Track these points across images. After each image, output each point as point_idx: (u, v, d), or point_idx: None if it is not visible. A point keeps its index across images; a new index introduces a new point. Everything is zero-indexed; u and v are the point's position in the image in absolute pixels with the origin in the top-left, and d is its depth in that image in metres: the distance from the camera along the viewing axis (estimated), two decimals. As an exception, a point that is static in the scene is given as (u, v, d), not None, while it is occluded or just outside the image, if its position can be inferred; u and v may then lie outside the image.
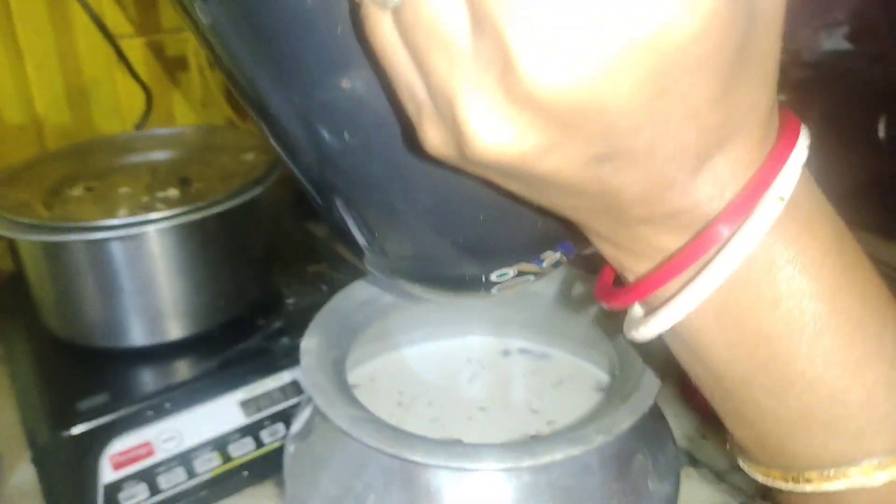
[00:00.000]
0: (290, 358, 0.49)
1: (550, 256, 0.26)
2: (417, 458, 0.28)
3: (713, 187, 0.20)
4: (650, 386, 0.32)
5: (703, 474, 0.47)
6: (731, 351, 0.22)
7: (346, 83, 0.20)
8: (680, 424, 0.51)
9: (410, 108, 0.19)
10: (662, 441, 0.36)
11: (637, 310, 0.24)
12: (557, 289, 0.41)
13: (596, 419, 0.30)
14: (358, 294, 0.40)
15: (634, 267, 0.23)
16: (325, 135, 0.22)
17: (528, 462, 0.28)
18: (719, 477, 0.47)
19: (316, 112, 0.22)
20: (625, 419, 0.30)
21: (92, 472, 0.42)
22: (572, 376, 0.44)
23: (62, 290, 0.48)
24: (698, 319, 0.22)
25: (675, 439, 0.37)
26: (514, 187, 0.21)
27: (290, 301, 0.55)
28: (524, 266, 0.26)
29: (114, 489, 0.41)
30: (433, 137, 0.19)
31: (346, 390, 0.32)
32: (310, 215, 0.78)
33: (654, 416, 0.37)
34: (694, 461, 0.47)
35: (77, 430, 0.43)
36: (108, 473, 0.42)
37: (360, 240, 0.26)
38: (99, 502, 0.41)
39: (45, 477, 0.44)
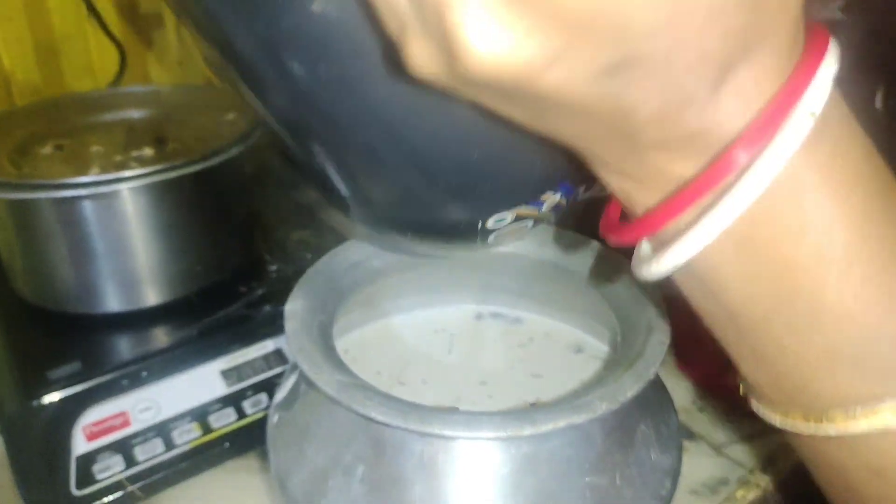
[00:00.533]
0: (273, 326, 0.47)
1: (551, 198, 0.24)
2: (411, 426, 0.26)
3: (735, 103, 0.18)
4: (655, 352, 0.30)
5: (701, 448, 0.46)
6: (751, 286, 0.20)
7: (317, 5, 0.18)
8: (676, 397, 0.49)
9: (392, 26, 0.17)
10: (665, 412, 0.34)
11: (646, 247, 0.22)
12: (556, 254, 0.39)
13: (599, 386, 0.29)
14: (345, 256, 0.37)
15: (645, 199, 0.21)
16: (297, 69, 0.20)
17: (528, 430, 0.26)
18: (717, 450, 0.46)
19: (284, 42, 0.19)
20: (630, 387, 0.28)
21: (64, 443, 0.39)
22: (579, 344, 0.42)
23: (31, 253, 0.46)
24: (716, 253, 0.20)
25: (676, 411, 0.35)
26: (513, 112, 0.18)
27: (272, 268, 0.53)
28: (523, 210, 0.24)
29: (87, 461, 0.39)
30: (419, 55, 0.16)
31: (333, 356, 0.30)
32: (294, 184, 0.75)
33: (656, 386, 0.35)
34: (691, 435, 0.46)
35: (48, 399, 0.40)
36: (81, 444, 0.39)
37: (344, 190, 0.24)
38: (72, 474, 0.38)
39: (13, 448, 0.41)
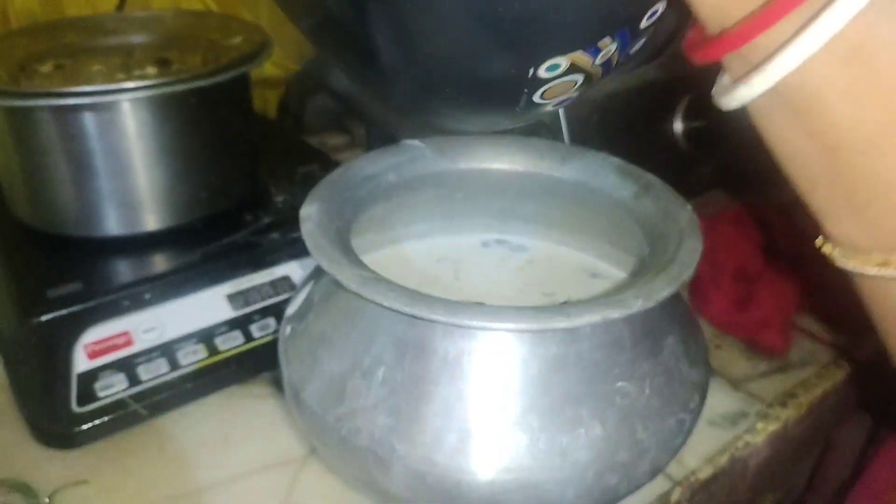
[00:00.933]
0: (281, 252, 0.45)
1: (607, 47, 0.22)
2: (438, 316, 0.25)
3: None
4: (689, 257, 0.29)
5: (719, 383, 0.45)
6: (858, 106, 0.18)
7: None
8: (691, 334, 0.48)
9: None
10: (693, 330, 0.33)
11: (729, 77, 0.20)
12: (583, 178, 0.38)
13: (632, 286, 0.27)
14: (360, 169, 0.36)
15: (735, 10, 0.19)
16: None
17: (562, 323, 0.25)
18: (735, 386, 0.45)
19: None
20: (664, 287, 0.27)
21: (64, 360, 0.38)
22: (594, 269, 0.41)
23: (31, 171, 0.44)
24: (819, 68, 0.18)
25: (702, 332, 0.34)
26: None
27: (278, 199, 0.52)
28: (578, 56, 0.22)
29: (89, 378, 0.38)
30: None
31: (351, 254, 0.29)
32: (300, 131, 0.74)
33: (685, 306, 0.34)
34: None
35: (46, 317, 0.39)
36: (82, 362, 0.38)
37: (392, 55, 0.23)
38: (72, 391, 0.37)
39: (12, 369, 0.40)
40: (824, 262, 0.25)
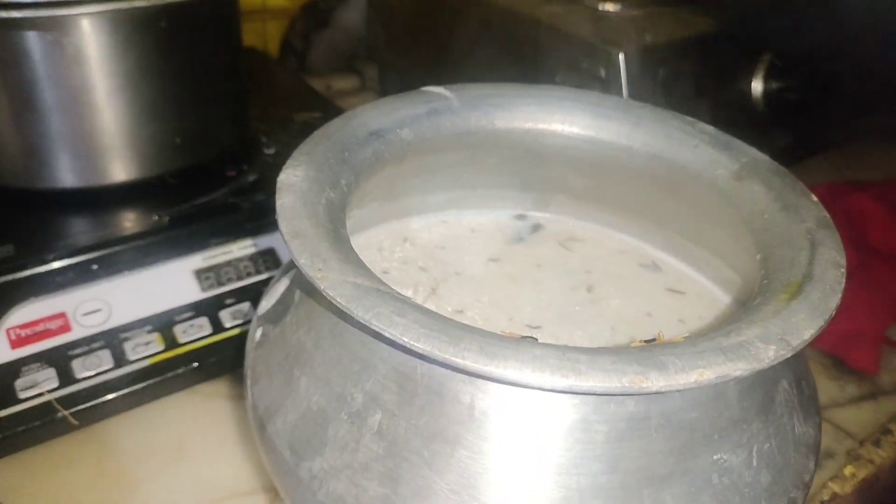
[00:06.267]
0: (265, 220, 0.37)
1: None
2: (465, 361, 0.16)
3: None
4: (831, 275, 0.20)
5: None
6: None
7: None
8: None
9: None
10: (802, 364, 0.25)
11: None
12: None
13: (748, 319, 0.19)
14: (366, 120, 0.27)
15: None
16: None
17: (659, 382, 0.16)
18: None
19: None
20: (807, 324, 0.18)
21: (-21, 347, 0.30)
22: (655, 262, 0.32)
23: (-44, 102, 0.35)
24: None
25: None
26: None
27: (269, 152, 0.43)
28: None
29: (9, 373, 0.30)
30: None
31: (345, 248, 0.20)
32: (304, 71, 0.64)
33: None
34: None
35: (-39, 289, 0.31)
36: (2, 351, 0.30)
37: None
38: (-14, 389, 0.29)
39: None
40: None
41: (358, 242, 0.31)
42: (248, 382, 0.24)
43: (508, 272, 0.32)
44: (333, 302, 0.18)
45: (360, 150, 0.26)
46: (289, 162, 0.24)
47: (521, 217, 0.35)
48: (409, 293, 0.30)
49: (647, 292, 0.31)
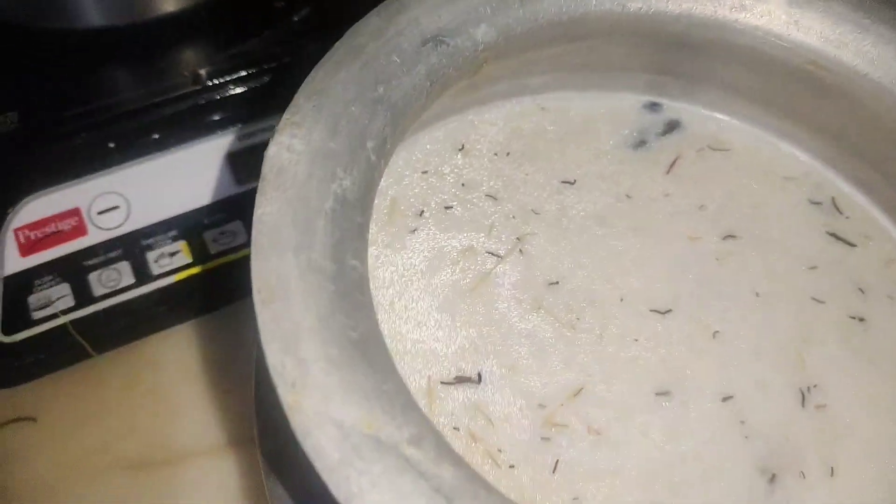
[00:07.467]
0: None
1: None
2: None
3: None
4: None
5: None
6: None
7: None
8: None
9: None
10: None
11: None
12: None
13: None
14: (416, 16, 0.17)
15: None
16: None
17: None
18: None
19: None
20: None
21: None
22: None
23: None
24: None
25: None
26: None
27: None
28: None
29: (21, 285, 0.25)
30: None
31: (353, 313, 0.13)
32: None
33: None
34: None
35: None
36: (12, 258, 0.26)
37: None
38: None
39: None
40: None
41: (398, 157, 0.22)
42: (260, 360, 0.19)
43: (621, 210, 0.23)
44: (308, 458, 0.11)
45: (404, 77, 0.17)
46: (287, 115, 0.15)
47: (652, 107, 0.25)
48: (485, 242, 0.22)
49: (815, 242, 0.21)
